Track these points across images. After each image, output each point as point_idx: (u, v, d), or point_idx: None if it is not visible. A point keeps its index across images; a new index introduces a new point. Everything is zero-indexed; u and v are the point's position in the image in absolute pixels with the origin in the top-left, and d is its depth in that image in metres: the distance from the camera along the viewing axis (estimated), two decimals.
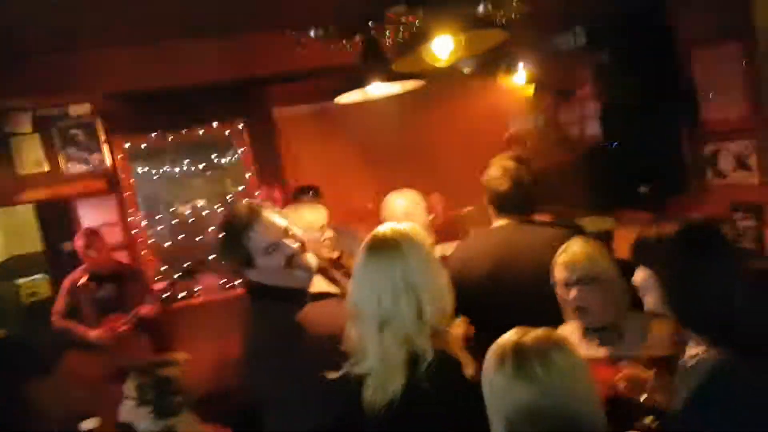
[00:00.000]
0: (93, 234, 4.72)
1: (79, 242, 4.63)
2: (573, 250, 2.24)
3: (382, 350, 1.78)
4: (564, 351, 1.43)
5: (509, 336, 1.49)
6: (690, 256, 1.64)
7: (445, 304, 1.84)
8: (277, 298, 2.18)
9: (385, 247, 1.83)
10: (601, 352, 2.20)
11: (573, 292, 2.19)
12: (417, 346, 1.76)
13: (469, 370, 1.80)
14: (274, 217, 2.22)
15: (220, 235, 2.25)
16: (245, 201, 2.28)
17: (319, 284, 2.29)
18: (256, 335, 2.18)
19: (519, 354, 1.42)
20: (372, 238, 1.89)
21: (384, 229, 1.91)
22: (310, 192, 5.01)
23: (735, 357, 1.54)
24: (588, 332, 2.27)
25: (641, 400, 1.85)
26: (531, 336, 1.46)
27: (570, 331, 2.31)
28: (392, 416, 1.76)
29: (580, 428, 1.39)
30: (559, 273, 2.25)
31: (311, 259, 2.25)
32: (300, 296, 2.20)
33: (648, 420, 1.83)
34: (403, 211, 3.22)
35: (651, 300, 1.74)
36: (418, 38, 2.75)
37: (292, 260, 2.18)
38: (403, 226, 1.91)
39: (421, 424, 1.76)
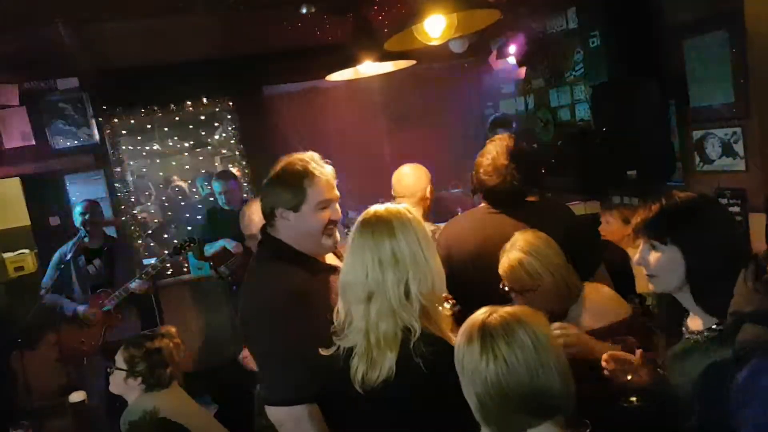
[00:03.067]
0: (94, 205, 4.73)
1: (79, 211, 4.62)
2: (511, 257, 2.28)
3: (368, 324, 1.79)
4: (531, 327, 1.45)
5: (479, 314, 1.51)
6: (720, 230, 1.66)
7: (434, 284, 1.84)
8: (292, 261, 2.18)
9: (378, 224, 1.85)
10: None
11: (516, 299, 2.27)
12: (405, 321, 1.78)
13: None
14: (332, 178, 2.23)
15: (280, 172, 2.21)
16: (309, 153, 2.25)
17: (330, 259, 2.31)
18: (263, 294, 2.17)
19: (485, 332, 1.45)
20: (366, 215, 1.91)
21: (379, 207, 1.92)
22: None
23: None
24: None
25: (628, 379, 1.89)
26: (499, 314, 1.48)
27: None
28: (388, 392, 1.77)
29: (549, 402, 1.42)
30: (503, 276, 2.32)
31: (338, 235, 2.27)
32: (313, 264, 2.21)
33: (633, 399, 1.89)
34: (412, 184, 3.28)
35: (670, 282, 1.71)
36: (411, 16, 2.74)
37: (330, 227, 2.20)
38: (398, 206, 1.92)
39: (415, 400, 1.78)
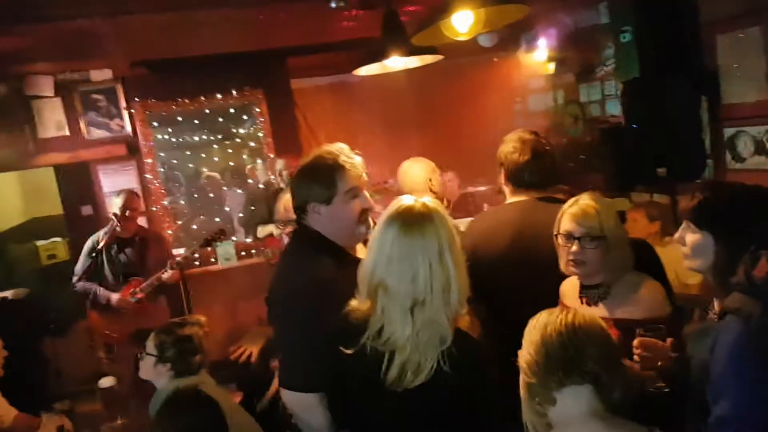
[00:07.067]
0: (133, 195, 4.81)
1: (119, 201, 4.68)
2: (584, 204, 2.21)
3: (413, 331, 1.72)
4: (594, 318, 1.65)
5: (563, 315, 1.61)
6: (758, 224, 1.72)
7: (465, 284, 1.76)
8: (323, 251, 2.18)
9: (420, 222, 1.74)
10: (597, 310, 2.20)
11: (575, 246, 2.19)
12: (442, 328, 1.72)
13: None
14: (360, 167, 2.22)
15: (309, 166, 2.20)
16: (338, 144, 2.24)
17: (361, 251, 2.30)
18: (292, 281, 2.18)
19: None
20: (402, 210, 1.78)
21: (412, 202, 1.80)
22: None
23: None
24: (583, 289, 2.28)
25: (657, 365, 1.91)
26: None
27: (570, 286, 2.35)
28: (419, 397, 1.73)
29: (582, 365, 1.55)
30: (565, 224, 2.23)
31: (372, 222, 2.24)
32: (344, 256, 2.20)
33: (662, 384, 1.91)
34: (418, 179, 3.26)
35: (700, 263, 1.81)
36: (439, 11, 2.74)
37: (364, 215, 2.21)
38: (428, 200, 1.81)
39: (441, 404, 1.75)
